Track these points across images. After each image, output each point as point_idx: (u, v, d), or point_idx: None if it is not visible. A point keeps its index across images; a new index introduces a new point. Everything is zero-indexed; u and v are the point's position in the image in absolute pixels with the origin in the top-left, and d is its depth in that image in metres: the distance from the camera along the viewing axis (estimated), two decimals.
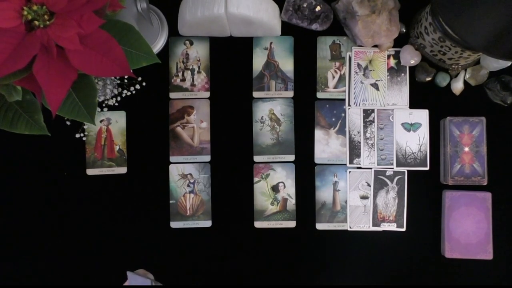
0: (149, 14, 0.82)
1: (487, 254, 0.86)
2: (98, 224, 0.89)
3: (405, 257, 0.89)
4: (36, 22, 0.55)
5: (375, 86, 0.90)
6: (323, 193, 0.90)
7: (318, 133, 0.90)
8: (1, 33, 0.54)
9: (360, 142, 0.90)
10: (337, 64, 0.91)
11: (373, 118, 0.90)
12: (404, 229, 0.89)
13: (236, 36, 0.90)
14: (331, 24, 0.90)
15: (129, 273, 0.74)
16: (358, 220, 0.89)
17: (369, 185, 0.89)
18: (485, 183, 0.86)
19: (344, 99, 0.90)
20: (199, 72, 0.91)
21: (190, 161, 0.90)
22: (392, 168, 0.89)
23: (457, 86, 0.89)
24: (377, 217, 0.89)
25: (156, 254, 0.89)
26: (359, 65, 0.90)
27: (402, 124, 0.90)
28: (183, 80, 0.91)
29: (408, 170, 0.89)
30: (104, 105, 0.89)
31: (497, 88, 0.88)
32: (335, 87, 0.91)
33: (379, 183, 0.89)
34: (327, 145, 0.90)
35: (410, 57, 0.88)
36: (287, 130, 0.90)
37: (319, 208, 0.89)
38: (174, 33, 0.90)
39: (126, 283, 0.72)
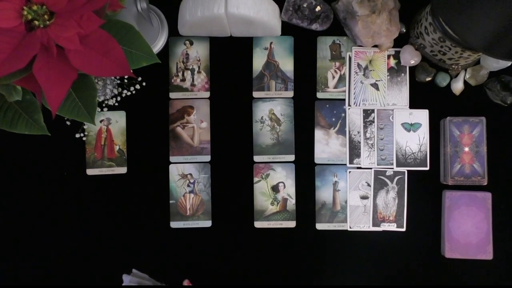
0: (149, 14, 0.82)
1: (487, 254, 0.86)
2: (98, 224, 0.89)
3: (405, 257, 0.89)
4: (36, 22, 0.55)
5: (375, 86, 0.90)
6: (323, 193, 0.90)
7: (318, 133, 0.90)
8: (1, 33, 0.54)
9: (360, 142, 0.90)
10: (337, 64, 0.91)
11: (373, 118, 0.90)
12: (404, 229, 0.89)
13: (236, 36, 0.90)
14: (331, 24, 0.90)
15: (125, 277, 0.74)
16: (358, 220, 0.89)
17: (369, 185, 0.89)
18: (485, 183, 0.86)
19: (344, 99, 0.90)
20: (199, 72, 0.91)
21: (190, 161, 0.90)
22: (392, 168, 0.89)
23: (457, 86, 0.89)
24: (377, 217, 0.89)
25: (156, 254, 0.89)
26: (359, 65, 0.90)
27: (402, 124, 0.90)
28: (183, 80, 0.91)
29: (408, 170, 0.89)
30: (104, 105, 0.89)
31: (497, 88, 0.88)
32: (335, 87, 0.91)
33: (379, 183, 0.89)
34: (327, 145, 0.90)
35: (410, 57, 0.88)
36: (287, 130, 0.90)
37: (319, 208, 0.89)
38: (174, 33, 0.90)
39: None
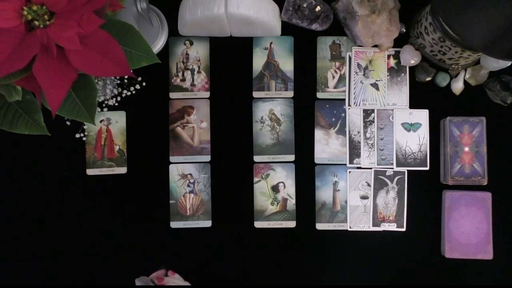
0: (149, 14, 0.82)
1: (487, 254, 0.86)
2: (98, 224, 0.89)
3: (405, 257, 0.89)
4: (36, 22, 0.55)
5: (375, 86, 0.90)
6: (323, 193, 0.90)
7: (318, 133, 0.90)
8: (1, 33, 0.54)
9: (360, 142, 0.90)
10: (337, 64, 0.91)
11: (373, 118, 0.90)
12: (404, 229, 0.89)
13: (236, 36, 0.90)
14: (331, 24, 0.90)
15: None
16: (358, 220, 0.89)
17: (369, 185, 0.89)
18: (485, 183, 0.86)
19: (344, 99, 0.90)
20: (199, 72, 0.91)
21: (190, 161, 0.90)
22: (392, 168, 0.89)
23: (457, 86, 0.89)
24: (377, 217, 0.89)
25: (156, 254, 0.89)
26: (359, 65, 0.90)
27: (402, 124, 0.90)
28: (183, 80, 0.91)
29: (408, 170, 0.89)
30: (104, 105, 0.89)
31: (497, 88, 0.88)
32: (335, 87, 0.91)
33: (379, 183, 0.89)
34: (327, 145, 0.90)
35: (410, 57, 0.88)
36: (287, 130, 0.90)
37: (319, 208, 0.89)
38: (174, 33, 0.90)
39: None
